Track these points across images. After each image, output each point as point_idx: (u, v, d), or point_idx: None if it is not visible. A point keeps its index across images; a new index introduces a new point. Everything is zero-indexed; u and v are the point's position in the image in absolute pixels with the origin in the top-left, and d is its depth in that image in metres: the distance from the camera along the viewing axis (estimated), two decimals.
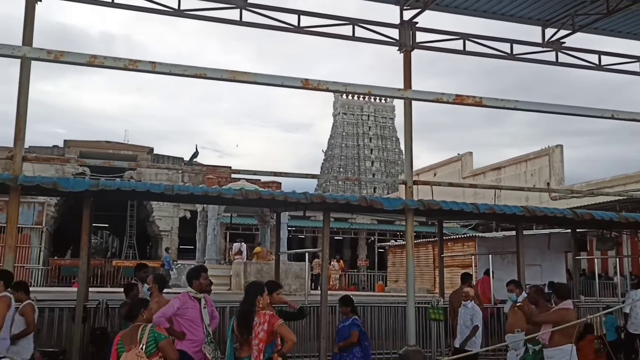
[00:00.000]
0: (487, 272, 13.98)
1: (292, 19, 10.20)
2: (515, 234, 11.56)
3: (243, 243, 19.82)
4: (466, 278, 9.99)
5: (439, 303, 11.05)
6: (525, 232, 15.05)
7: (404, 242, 10.05)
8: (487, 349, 9.00)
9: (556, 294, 7.04)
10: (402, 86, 10.23)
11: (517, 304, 7.49)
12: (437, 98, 4.61)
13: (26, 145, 29.78)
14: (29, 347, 6.61)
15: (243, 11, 9.95)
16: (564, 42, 11.37)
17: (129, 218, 32.61)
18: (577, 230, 15.18)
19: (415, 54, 10.64)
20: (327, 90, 4.37)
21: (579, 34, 11.28)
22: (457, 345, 8.45)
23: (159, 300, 6.25)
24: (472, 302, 8.58)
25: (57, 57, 3.65)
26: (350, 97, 64.12)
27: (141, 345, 4.47)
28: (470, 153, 33.56)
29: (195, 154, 30.98)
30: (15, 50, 3.55)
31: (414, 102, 10.00)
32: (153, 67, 3.86)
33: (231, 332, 5.11)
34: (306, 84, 4.24)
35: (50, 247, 29.64)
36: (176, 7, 9.62)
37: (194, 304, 5.80)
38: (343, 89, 4.43)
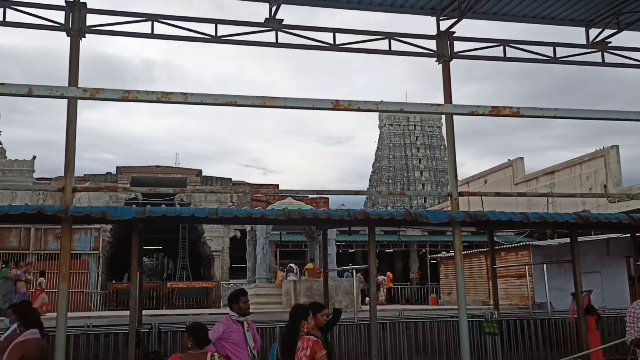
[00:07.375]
0: None
1: (327, 37, 10.22)
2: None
3: (292, 265, 19.89)
4: None
5: (494, 316, 10.77)
6: (581, 238, 14.52)
7: None
8: None
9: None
10: (441, 95, 10.11)
11: None
12: (473, 111, 4.49)
13: (81, 173, 31.01)
14: None
15: (279, 33, 10.03)
16: (610, 42, 10.98)
17: (181, 240, 33.33)
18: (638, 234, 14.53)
19: (454, 60, 10.49)
20: (358, 110, 4.29)
21: (625, 32, 10.88)
22: None
23: None
24: None
25: (93, 95, 3.76)
26: None
27: None
28: (521, 158, 32.77)
29: None
30: (53, 90, 3.67)
31: None
32: (185, 98, 3.91)
33: (275, 356, 5.10)
34: (337, 105, 4.19)
35: (107, 271, 30.57)
36: (213, 34, 9.80)
37: (238, 327, 5.85)
38: (374, 108, 4.35)
